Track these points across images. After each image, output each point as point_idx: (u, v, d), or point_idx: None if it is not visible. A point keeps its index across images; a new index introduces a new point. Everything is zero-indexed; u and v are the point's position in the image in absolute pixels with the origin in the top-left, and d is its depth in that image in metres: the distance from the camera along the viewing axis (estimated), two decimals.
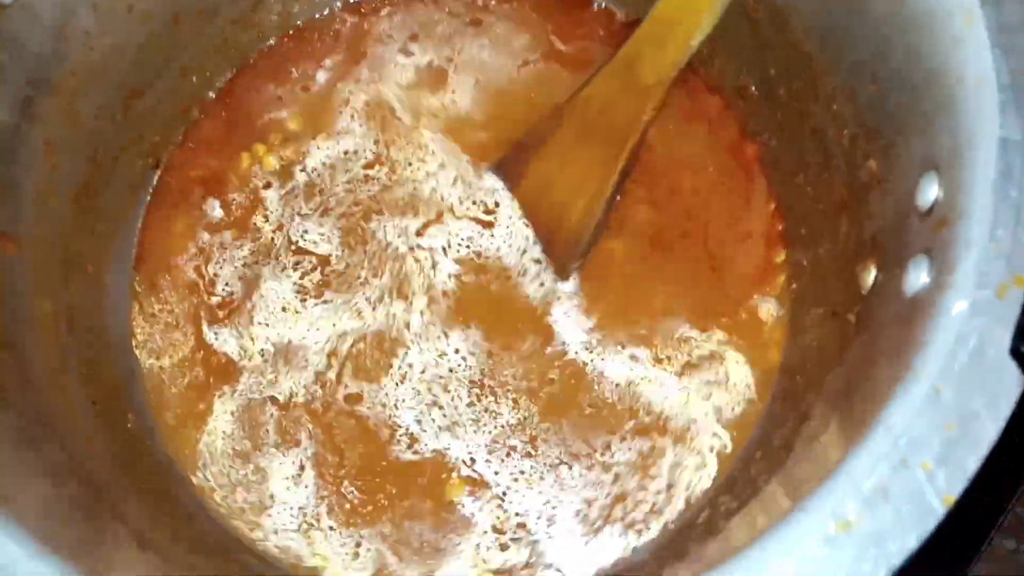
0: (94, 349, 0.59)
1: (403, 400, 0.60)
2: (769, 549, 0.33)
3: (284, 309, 0.63)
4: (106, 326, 0.61)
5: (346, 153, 0.67)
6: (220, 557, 0.54)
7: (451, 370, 0.61)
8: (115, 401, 0.59)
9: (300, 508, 0.58)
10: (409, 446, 0.59)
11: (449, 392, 0.60)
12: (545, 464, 0.59)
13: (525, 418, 0.60)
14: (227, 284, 0.64)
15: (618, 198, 0.64)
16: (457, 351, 0.61)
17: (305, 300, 0.63)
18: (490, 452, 0.59)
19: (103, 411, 0.56)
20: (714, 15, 0.58)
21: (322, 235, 0.64)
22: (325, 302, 0.63)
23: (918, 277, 0.42)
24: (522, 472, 0.58)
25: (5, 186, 0.51)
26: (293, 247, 0.64)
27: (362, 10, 0.71)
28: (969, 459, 0.34)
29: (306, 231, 0.65)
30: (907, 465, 0.34)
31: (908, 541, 0.33)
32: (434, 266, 0.63)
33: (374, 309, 0.62)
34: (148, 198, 0.66)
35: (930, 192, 0.43)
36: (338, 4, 0.70)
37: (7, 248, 0.51)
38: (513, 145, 0.65)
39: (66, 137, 0.57)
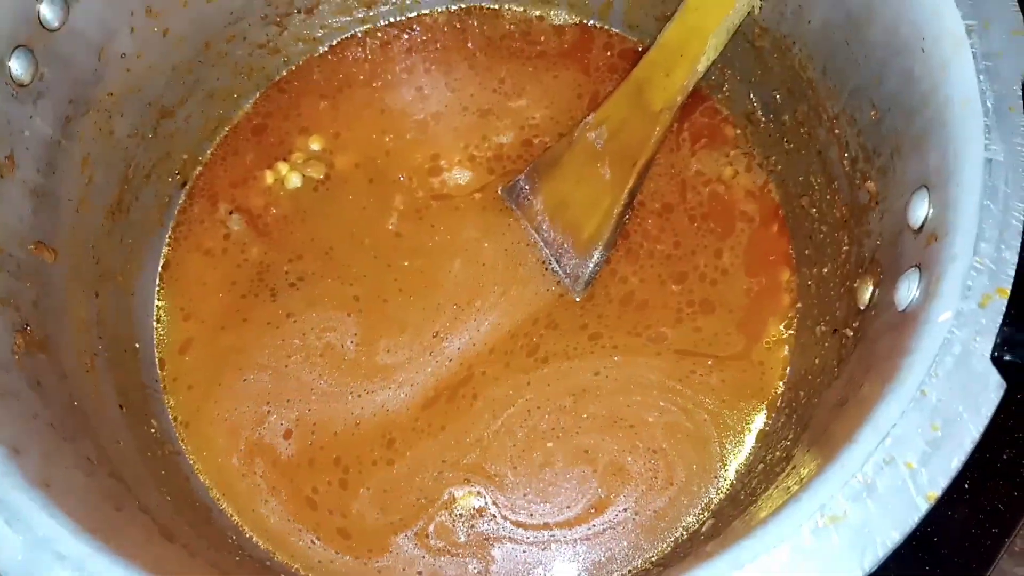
0: (121, 355, 0.62)
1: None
2: (764, 539, 0.35)
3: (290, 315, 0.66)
4: (133, 334, 0.64)
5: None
6: (238, 554, 0.56)
7: None
8: (140, 406, 0.61)
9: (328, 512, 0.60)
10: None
11: None
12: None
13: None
14: (248, 296, 0.66)
15: (627, 217, 0.66)
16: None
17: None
18: None
19: (129, 415, 0.58)
20: (719, 42, 0.60)
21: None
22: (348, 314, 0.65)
23: (909, 291, 0.44)
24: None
25: (45, 197, 0.54)
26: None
27: (383, 36, 0.74)
28: (952, 458, 0.36)
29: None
30: (893, 463, 0.36)
31: (892, 535, 0.35)
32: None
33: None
34: (176, 212, 0.69)
35: (921, 210, 0.45)
36: (360, 31, 0.74)
37: (45, 256, 0.54)
38: (526, 170, 0.67)
39: (102, 153, 0.60)
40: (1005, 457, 0.67)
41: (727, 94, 0.69)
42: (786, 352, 0.63)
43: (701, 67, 0.60)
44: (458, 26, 0.74)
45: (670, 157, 0.68)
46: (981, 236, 0.40)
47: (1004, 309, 0.38)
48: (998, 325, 0.38)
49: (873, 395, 0.40)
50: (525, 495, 0.60)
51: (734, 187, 0.68)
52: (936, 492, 0.35)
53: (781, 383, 0.62)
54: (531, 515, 0.60)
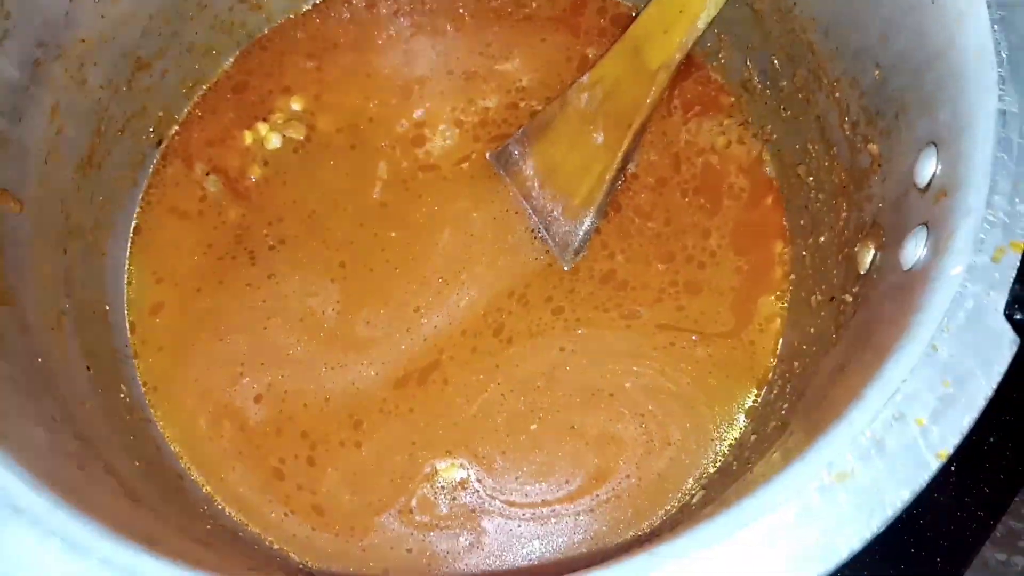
0: (90, 316, 0.59)
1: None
2: (766, 498, 0.33)
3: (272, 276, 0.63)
4: (103, 295, 0.61)
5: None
6: (209, 523, 0.54)
7: None
8: (109, 369, 0.59)
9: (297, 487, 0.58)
10: None
11: None
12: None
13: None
14: (224, 258, 0.64)
15: (619, 183, 0.64)
16: None
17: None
18: None
19: (97, 378, 0.56)
20: None
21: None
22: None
23: (916, 249, 0.42)
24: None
25: (12, 145, 0.51)
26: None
27: None
28: (964, 416, 0.34)
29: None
30: (903, 419, 0.34)
31: (902, 493, 0.33)
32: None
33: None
34: (150, 172, 0.66)
35: (929, 167, 0.43)
36: None
37: (11, 207, 0.51)
38: (516, 134, 0.65)
39: (73, 103, 0.57)
40: (992, 440, 0.66)
41: (722, 61, 0.68)
42: (778, 325, 0.62)
43: (702, 23, 0.58)
44: None
45: (662, 125, 0.66)
46: (994, 189, 0.38)
47: (1018, 263, 0.36)
48: (1011, 279, 0.36)
49: (879, 356, 0.38)
50: (517, 478, 0.58)
51: (727, 158, 0.66)
52: (947, 450, 0.34)
53: (773, 357, 0.61)
54: (526, 495, 0.58)
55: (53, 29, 0.53)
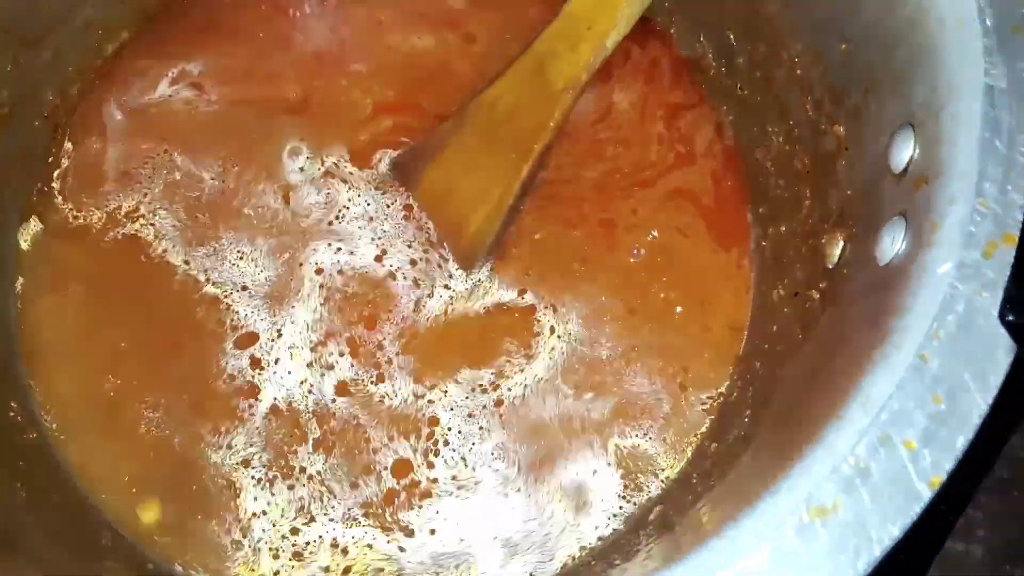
0: None
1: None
2: (737, 539, 0.28)
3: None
4: None
5: None
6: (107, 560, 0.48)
7: None
8: None
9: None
10: None
11: None
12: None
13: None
14: (129, 249, 0.57)
15: (522, 207, 0.59)
16: None
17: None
18: None
19: None
20: (632, 12, 0.54)
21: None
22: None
23: (893, 242, 0.38)
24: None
25: None
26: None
27: None
28: (958, 436, 0.30)
29: None
30: (890, 442, 0.30)
31: (891, 529, 0.29)
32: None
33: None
34: (49, 161, 0.60)
35: (905, 151, 0.39)
36: None
37: None
38: (410, 148, 0.59)
39: None
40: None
41: (673, 37, 0.63)
42: (740, 319, 0.57)
43: (610, 43, 0.53)
44: None
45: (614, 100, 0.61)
46: (983, 175, 0.34)
47: (1012, 259, 0.32)
48: (1006, 277, 0.32)
49: (855, 363, 0.34)
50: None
51: (680, 140, 0.61)
52: (940, 477, 0.29)
53: (735, 354, 0.56)
54: None
55: None
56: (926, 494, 0.29)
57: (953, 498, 0.63)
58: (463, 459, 0.53)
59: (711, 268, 0.58)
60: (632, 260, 0.58)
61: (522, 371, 0.55)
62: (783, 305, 0.52)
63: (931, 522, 0.61)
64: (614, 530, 0.52)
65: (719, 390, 0.55)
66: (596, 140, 0.61)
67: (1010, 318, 0.33)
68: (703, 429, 0.54)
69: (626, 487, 0.53)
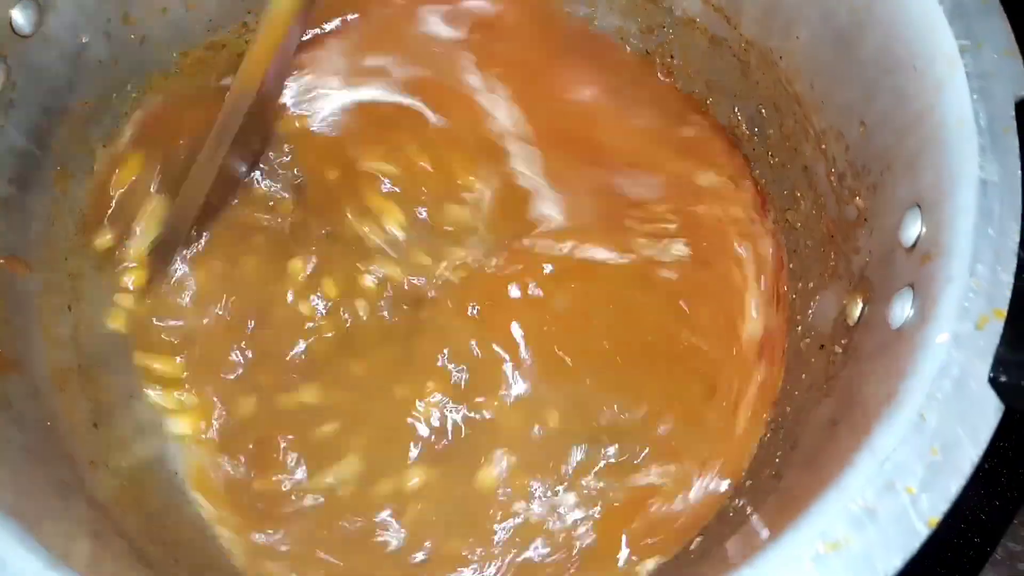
0: (96, 369, 0.60)
1: None
2: (761, 568, 0.34)
3: None
4: (106, 347, 0.62)
5: None
6: None
7: None
8: (115, 422, 0.59)
9: None
10: None
11: None
12: None
13: None
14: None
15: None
16: None
17: None
18: None
19: (105, 433, 0.57)
20: None
21: None
22: None
23: (903, 309, 0.43)
24: None
25: (18, 211, 0.52)
26: None
27: None
28: (952, 483, 0.36)
29: None
30: (893, 488, 0.35)
31: (894, 561, 0.34)
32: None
33: None
34: None
35: (914, 228, 0.45)
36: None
37: (18, 270, 0.52)
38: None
39: (76, 162, 0.58)
40: (987, 467, 0.67)
41: (710, 107, 0.69)
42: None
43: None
44: None
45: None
46: (977, 257, 0.39)
47: (1000, 331, 0.38)
48: (995, 347, 0.38)
49: (869, 418, 0.39)
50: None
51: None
52: (936, 517, 0.35)
53: (767, 400, 0.62)
54: None
55: (57, 94, 0.55)
56: (924, 531, 0.35)
57: (987, 532, 0.67)
58: None
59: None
60: None
61: None
62: (810, 356, 0.58)
63: (966, 555, 0.66)
64: None
65: (753, 432, 0.61)
66: None
67: (1003, 379, 0.38)
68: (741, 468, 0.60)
69: None
